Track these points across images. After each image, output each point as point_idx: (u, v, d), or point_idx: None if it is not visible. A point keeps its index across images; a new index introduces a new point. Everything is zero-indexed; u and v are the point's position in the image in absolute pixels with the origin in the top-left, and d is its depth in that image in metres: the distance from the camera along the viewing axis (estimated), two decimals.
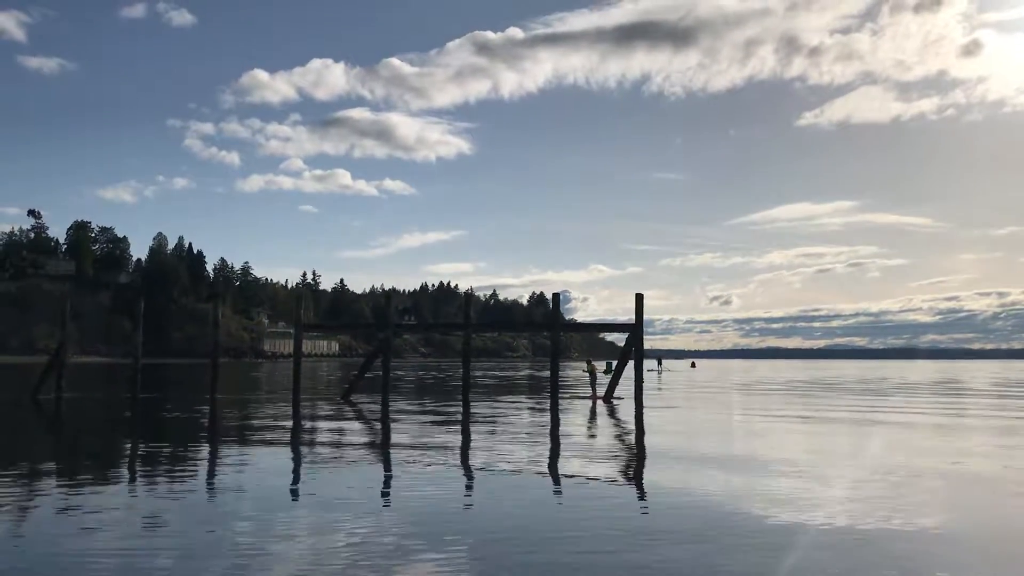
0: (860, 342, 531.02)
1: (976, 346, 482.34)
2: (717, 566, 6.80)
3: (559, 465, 13.34)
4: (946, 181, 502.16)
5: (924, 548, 7.46)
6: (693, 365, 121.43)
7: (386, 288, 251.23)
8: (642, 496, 9.22)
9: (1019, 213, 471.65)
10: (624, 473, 12.42)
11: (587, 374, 35.32)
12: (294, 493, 10.57)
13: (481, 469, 12.58)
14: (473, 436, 17.70)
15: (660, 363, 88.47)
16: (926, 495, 10.06)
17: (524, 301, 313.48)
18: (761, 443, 16.56)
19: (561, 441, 16.97)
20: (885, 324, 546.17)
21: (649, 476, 11.95)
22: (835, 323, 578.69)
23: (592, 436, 18.36)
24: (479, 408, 26.33)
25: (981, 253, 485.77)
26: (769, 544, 7.49)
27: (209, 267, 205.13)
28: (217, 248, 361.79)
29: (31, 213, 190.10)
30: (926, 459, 13.67)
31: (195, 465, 13.29)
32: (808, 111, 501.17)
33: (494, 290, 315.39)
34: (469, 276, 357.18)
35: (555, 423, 21.18)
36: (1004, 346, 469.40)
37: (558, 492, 10.60)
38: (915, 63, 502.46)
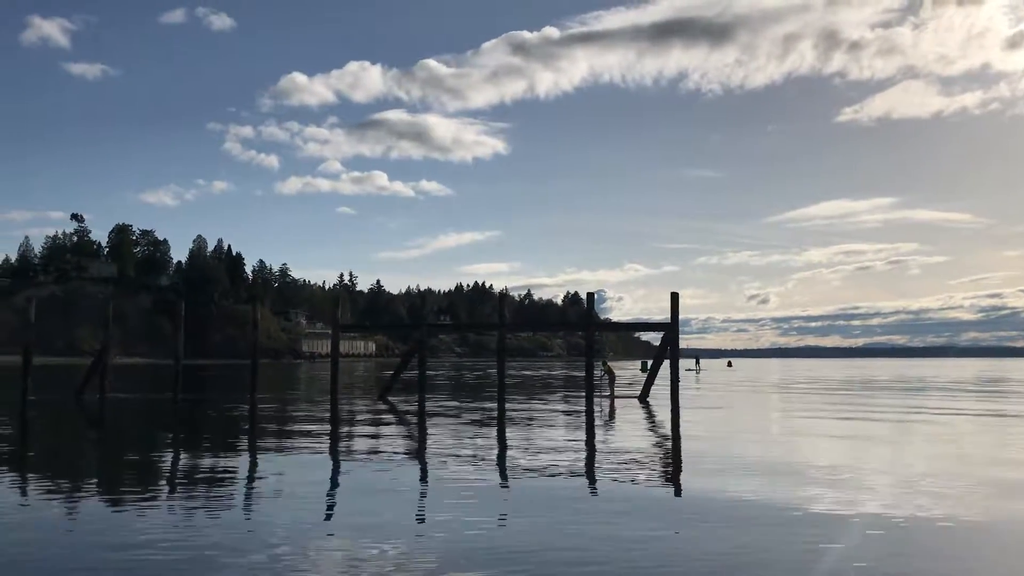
0: (900, 340, 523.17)
1: (1020, 344, 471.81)
2: None
3: (594, 474, 13.35)
4: (989, 176, 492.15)
5: None
6: (729, 364, 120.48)
7: (422, 289, 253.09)
8: (676, 533, 8.79)
9: None
10: (658, 492, 12.35)
11: (604, 374, 35.24)
12: (330, 496, 10.70)
13: (515, 476, 12.61)
14: (508, 438, 17.79)
15: (698, 362, 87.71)
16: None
17: (559, 301, 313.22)
18: (805, 466, 16.36)
19: (597, 448, 16.98)
20: (925, 322, 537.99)
21: (685, 528, 11.60)
22: (874, 321, 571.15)
23: (617, 444, 18.30)
24: (513, 408, 26.37)
25: None
26: None
27: (248, 269, 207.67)
28: (256, 250, 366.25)
29: (74, 217, 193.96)
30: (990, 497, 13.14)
31: (235, 465, 13.48)
32: (848, 107, 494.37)
33: (528, 290, 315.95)
34: (505, 276, 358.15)
35: (590, 427, 21.21)
36: None
37: (591, 507, 10.63)
38: (958, 57, 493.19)
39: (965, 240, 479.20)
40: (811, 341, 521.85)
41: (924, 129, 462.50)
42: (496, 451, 15.18)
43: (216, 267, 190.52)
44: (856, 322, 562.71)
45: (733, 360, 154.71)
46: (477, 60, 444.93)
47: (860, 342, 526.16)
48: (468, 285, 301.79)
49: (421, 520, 8.77)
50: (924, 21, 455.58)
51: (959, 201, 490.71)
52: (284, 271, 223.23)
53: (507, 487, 11.00)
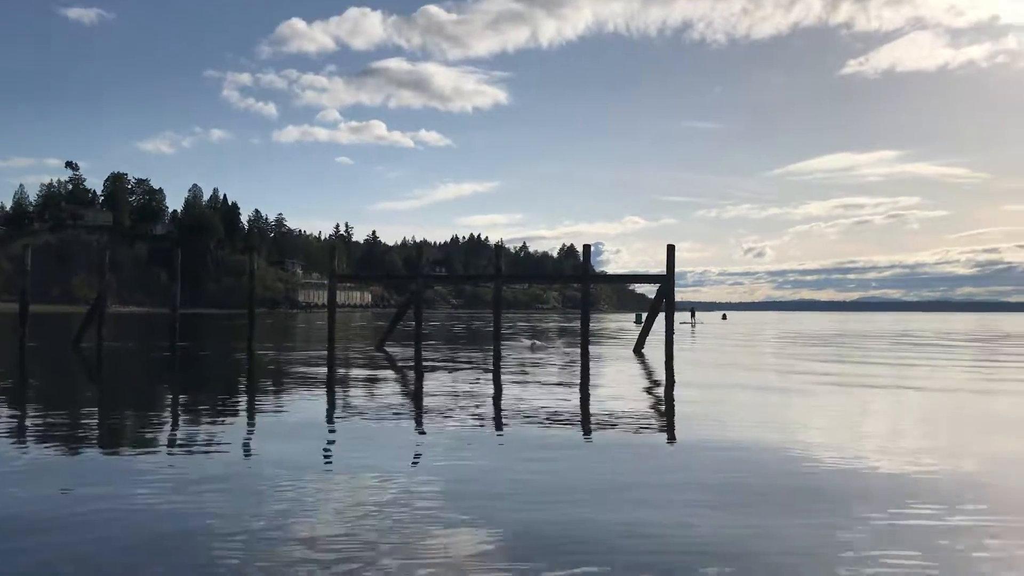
0: (895, 295, 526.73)
1: (1015, 299, 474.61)
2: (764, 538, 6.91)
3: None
4: (994, 130, 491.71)
5: None
6: (724, 317, 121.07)
7: (418, 240, 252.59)
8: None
9: None
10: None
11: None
12: (327, 448, 10.83)
13: (508, 424, 12.75)
14: (503, 387, 17.96)
15: (693, 315, 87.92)
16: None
17: (554, 253, 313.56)
18: (799, 426, 16.50)
19: (590, 398, 17.16)
20: (921, 276, 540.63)
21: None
22: (870, 275, 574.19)
23: (610, 395, 18.48)
24: (509, 359, 26.55)
25: None
26: None
27: (244, 219, 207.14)
28: (252, 200, 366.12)
29: (69, 165, 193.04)
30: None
31: (234, 414, 13.57)
32: (853, 59, 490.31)
33: (524, 242, 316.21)
34: (503, 228, 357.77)
35: (585, 378, 21.39)
36: None
37: (588, 444, 10.78)
38: (967, 7, 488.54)
39: (966, 195, 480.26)
40: (806, 295, 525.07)
41: (930, 82, 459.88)
42: (491, 399, 15.31)
43: (212, 216, 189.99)
44: (852, 276, 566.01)
45: (728, 313, 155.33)
46: (479, 6, 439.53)
47: (855, 296, 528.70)
48: (464, 237, 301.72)
49: (416, 464, 8.89)
50: None
51: (963, 156, 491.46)
52: (280, 221, 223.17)
53: (501, 434, 11.13)
